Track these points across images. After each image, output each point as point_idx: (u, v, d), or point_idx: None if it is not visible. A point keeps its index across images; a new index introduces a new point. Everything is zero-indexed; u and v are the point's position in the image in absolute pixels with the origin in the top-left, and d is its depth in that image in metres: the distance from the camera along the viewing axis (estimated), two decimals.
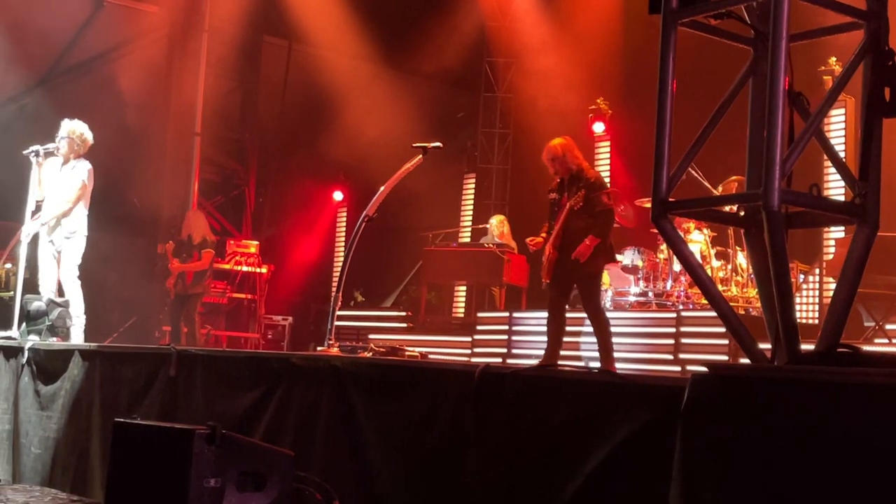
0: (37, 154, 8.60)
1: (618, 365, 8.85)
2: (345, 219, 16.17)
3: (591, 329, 10.05)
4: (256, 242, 14.78)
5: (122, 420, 3.90)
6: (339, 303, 7.36)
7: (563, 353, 9.83)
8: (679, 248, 3.41)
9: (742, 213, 3.55)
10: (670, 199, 3.33)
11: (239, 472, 3.46)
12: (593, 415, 3.64)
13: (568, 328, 10.30)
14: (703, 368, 3.02)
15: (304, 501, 3.89)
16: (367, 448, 4.47)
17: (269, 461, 3.64)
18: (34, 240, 8.63)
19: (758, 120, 3.43)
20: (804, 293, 10.42)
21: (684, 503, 2.93)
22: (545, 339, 10.46)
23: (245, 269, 14.32)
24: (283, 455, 3.75)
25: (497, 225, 12.91)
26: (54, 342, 7.71)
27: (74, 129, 8.70)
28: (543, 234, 8.13)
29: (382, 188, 7.19)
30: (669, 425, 3.17)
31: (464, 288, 14.51)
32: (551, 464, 3.74)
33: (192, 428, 3.42)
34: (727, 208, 4.16)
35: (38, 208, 8.68)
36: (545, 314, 10.80)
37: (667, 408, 3.23)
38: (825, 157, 3.55)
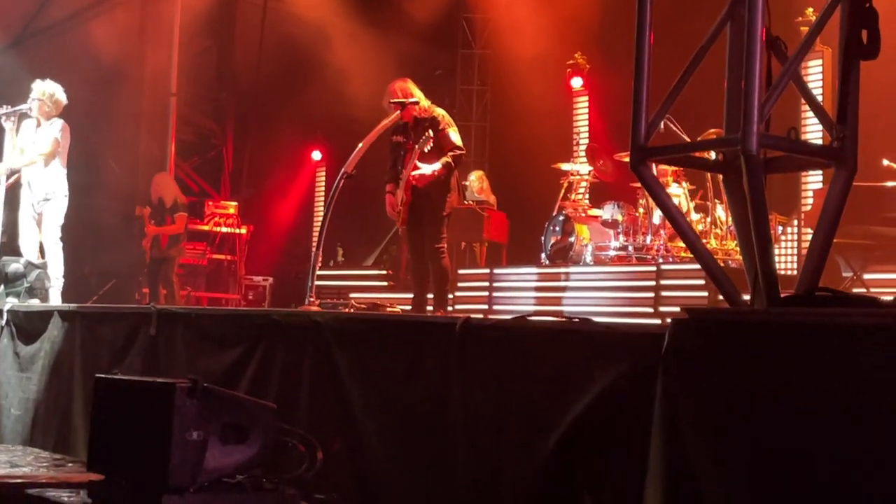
0: (8, 116, 8.52)
1: (599, 318, 8.86)
2: (324, 178, 16.08)
3: (574, 284, 10.15)
4: (235, 203, 14.71)
5: (102, 376, 3.89)
6: (320, 261, 7.36)
7: (545, 308, 9.88)
8: (658, 195, 3.41)
9: (721, 159, 3.55)
10: (649, 146, 3.32)
11: (221, 425, 3.45)
12: (575, 364, 3.65)
13: (548, 283, 10.39)
14: (683, 313, 3.03)
15: (288, 453, 3.90)
16: (351, 402, 4.47)
17: (251, 414, 3.64)
18: (12, 203, 8.58)
19: (735, 65, 3.41)
20: (783, 244, 10.48)
21: (666, 446, 2.95)
22: (526, 294, 10.53)
23: (224, 229, 14.26)
24: (265, 407, 3.75)
25: (476, 181, 12.87)
26: (33, 304, 7.67)
27: (45, 89, 8.61)
28: (389, 189, 7.95)
29: (361, 145, 7.15)
30: (651, 372, 3.19)
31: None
32: (534, 413, 3.75)
33: (173, 381, 3.41)
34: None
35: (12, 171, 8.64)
36: (526, 269, 10.91)
37: (648, 355, 3.24)
38: (803, 103, 3.54)
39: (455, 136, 7.75)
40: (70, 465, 5.23)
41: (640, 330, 3.68)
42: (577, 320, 3.95)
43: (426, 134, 7.63)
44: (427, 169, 7.63)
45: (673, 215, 3.41)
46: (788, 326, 2.75)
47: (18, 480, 4.06)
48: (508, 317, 4.22)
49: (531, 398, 3.78)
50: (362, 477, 4.25)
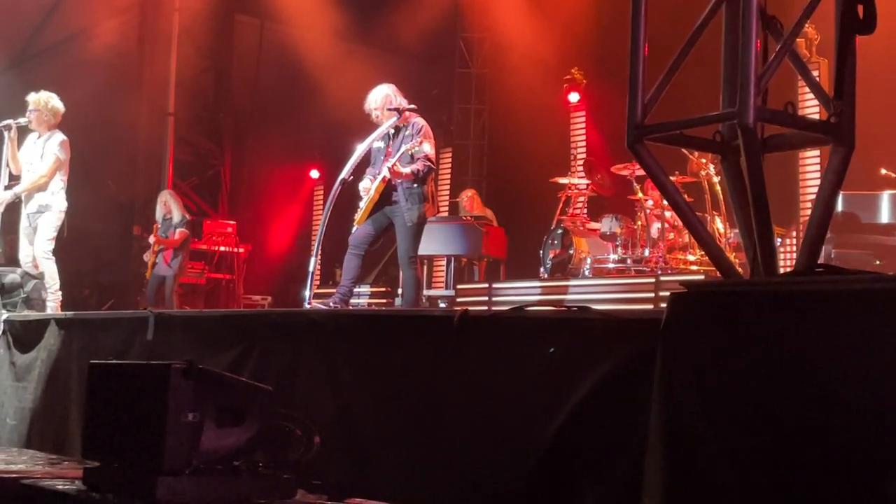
0: (8, 128, 8.55)
1: None
2: (321, 197, 16.10)
3: (573, 296, 10.07)
4: (233, 222, 14.72)
5: (97, 362, 3.86)
6: (318, 270, 7.35)
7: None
8: (656, 174, 3.39)
9: (719, 140, 3.53)
10: (645, 123, 3.31)
11: (217, 407, 3.42)
12: (573, 352, 3.62)
13: (547, 296, 10.33)
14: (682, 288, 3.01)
15: (284, 437, 3.86)
16: (349, 397, 4.44)
17: (248, 396, 3.60)
18: (9, 212, 8.58)
19: (732, 45, 3.40)
20: (782, 256, 10.45)
21: (664, 421, 2.91)
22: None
23: (222, 249, 14.28)
24: (262, 390, 3.71)
25: (466, 199, 12.92)
26: (30, 314, 7.63)
27: (40, 99, 8.62)
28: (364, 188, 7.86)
29: (358, 149, 7.16)
30: (650, 355, 3.15)
31: (444, 262, 14.46)
32: (533, 403, 3.72)
33: (169, 363, 3.38)
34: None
35: (10, 184, 8.64)
36: (525, 283, 10.85)
37: (647, 339, 3.20)
38: (800, 85, 3.53)
39: (430, 148, 7.77)
40: (66, 463, 5.19)
41: (638, 315, 3.66)
42: (575, 309, 3.91)
43: (402, 140, 7.70)
44: (405, 168, 7.63)
45: (670, 194, 3.39)
46: (788, 295, 2.72)
47: (14, 475, 4.02)
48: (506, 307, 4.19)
49: (530, 388, 3.75)
50: (360, 464, 4.21)
